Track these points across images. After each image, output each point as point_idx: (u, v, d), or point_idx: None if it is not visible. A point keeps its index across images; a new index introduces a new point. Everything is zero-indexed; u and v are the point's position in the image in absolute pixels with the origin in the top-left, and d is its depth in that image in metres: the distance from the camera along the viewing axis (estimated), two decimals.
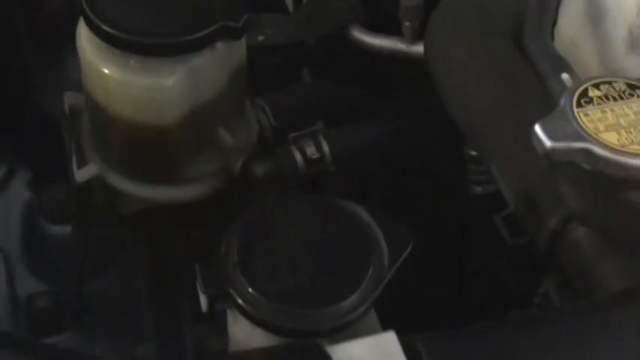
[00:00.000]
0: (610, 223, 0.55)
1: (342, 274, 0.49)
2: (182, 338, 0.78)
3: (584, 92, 0.53)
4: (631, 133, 0.51)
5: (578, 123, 0.51)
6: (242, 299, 0.47)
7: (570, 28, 0.67)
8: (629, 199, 0.52)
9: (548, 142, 0.50)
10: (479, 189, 0.83)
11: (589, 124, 0.51)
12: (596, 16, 0.65)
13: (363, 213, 0.51)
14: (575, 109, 0.52)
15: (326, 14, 0.96)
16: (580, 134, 0.51)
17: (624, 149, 0.50)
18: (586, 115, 0.52)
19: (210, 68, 0.66)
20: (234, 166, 0.71)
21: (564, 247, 0.59)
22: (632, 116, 0.52)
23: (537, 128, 0.51)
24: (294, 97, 0.83)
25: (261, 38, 0.93)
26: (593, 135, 0.51)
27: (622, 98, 0.53)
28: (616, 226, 0.54)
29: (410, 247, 0.50)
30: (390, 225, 0.50)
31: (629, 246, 0.55)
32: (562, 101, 0.53)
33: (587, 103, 0.52)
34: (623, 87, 0.54)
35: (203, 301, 0.49)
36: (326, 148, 0.73)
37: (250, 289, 0.48)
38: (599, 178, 0.52)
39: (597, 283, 0.56)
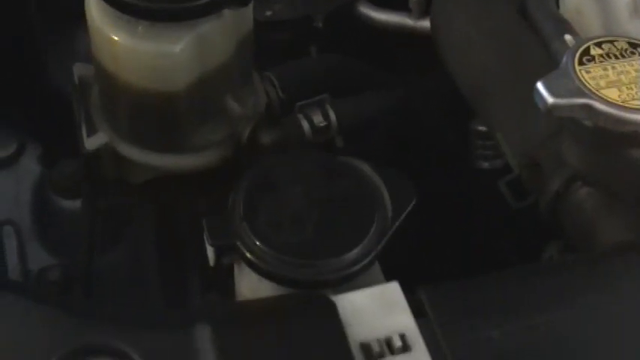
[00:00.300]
0: (612, 180, 0.55)
1: (346, 227, 0.50)
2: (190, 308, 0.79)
3: (586, 50, 0.54)
4: (632, 89, 0.52)
5: (579, 79, 0.52)
6: (249, 251, 0.48)
7: None
8: (631, 156, 0.53)
9: (550, 99, 0.51)
10: (486, 164, 0.84)
11: (590, 81, 0.52)
12: None
13: (367, 169, 0.52)
14: (577, 67, 0.53)
15: None
16: (581, 90, 0.51)
17: (625, 104, 0.51)
18: (587, 72, 0.52)
19: (218, 35, 0.67)
20: (241, 135, 0.72)
21: (567, 208, 0.60)
22: (633, 73, 0.53)
23: (539, 85, 0.52)
24: (301, 70, 0.84)
25: (269, 13, 0.93)
26: (594, 91, 0.51)
27: (623, 56, 0.54)
28: (618, 183, 0.55)
29: (414, 202, 0.51)
30: (393, 180, 0.51)
31: (631, 203, 0.55)
32: (564, 59, 0.53)
33: (589, 60, 0.53)
34: (625, 45, 0.54)
35: (210, 254, 0.50)
36: (333, 116, 0.74)
37: (257, 242, 0.49)
38: (600, 134, 0.52)
39: (599, 242, 0.57)
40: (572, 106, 0.51)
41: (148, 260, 0.85)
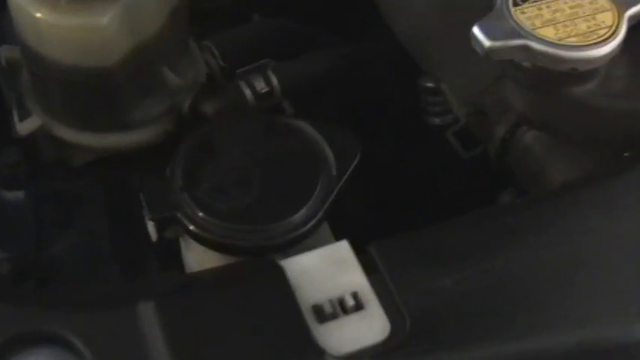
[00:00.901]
0: (556, 121, 0.55)
1: (291, 188, 0.48)
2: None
3: None
4: (567, 26, 0.51)
5: (514, 21, 0.51)
6: (190, 221, 0.47)
7: None
8: (572, 94, 0.52)
9: (486, 42, 0.50)
10: (437, 120, 0.83)
11: (526, 21, 0.51)
12: None
13: (308, 128, 0.50)
14: (512, 8, 0.52)
15: None
16: (517, 31, 0.50)
17: (561, 42, 0.50)
18: (523, 12, 0.51)
19: (147, 5, 0.65)
20: (182, 107, 0.70)
21: (515, 153, 0.59)
22: (568, 10, 0.52)
23: (476, 29, 0.51)
24: (241, 37, 0.82)
25: None
26: (530, 31, 0.50)
27: None
28: (561, 123, 0.54)
29: (358, 157, 0.50)
30: (337, 137, 0.50)
31: (577, 142, 0.55)
32: (499, 2, 0.52)
33: (524, 1, 0.52)
34: None
35: (151, 228, 0.48)
36: (275, 81, 0.73)
37: (198, 211, 0.47)
38: (540, 74, 0.52)
39: (549, 184, 0.56)
40: (509, 48, 0.50)
41: (102, 243, 0.83)
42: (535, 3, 0.52)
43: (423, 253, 0.46)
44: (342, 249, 0.45)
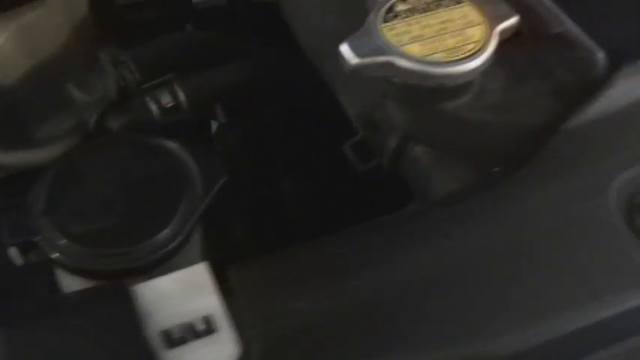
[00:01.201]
0: (433, 133, 0.55)
1: (154, 210, 0.49)
2: None
3: (391, 7, 0.53)
4: (435, 42, 0.51)
5: (382, 37, 0.51)
6: (50, 246, 0.47)
7: None
8: (444, 108, 0.52)
9: (353, 59, 0.50)
10: None
11: (393, 38, 0.51)
12: None
13: (176, 148, 0.50)
14: (381, 24, 0.52)
15: None
16: (383, 48, 0.50)
17: (426, 59, 0.50)
18: (391, 29, 0.51)
19: (46, 24, 0.65)
20: (88, 123, 0.70)
21: (406, 166, 0.59)
22: (438, 26, 0.52)
23: (343, 46, 0.51)
24: (158, 50, 0.82)
25: None
26: (396, 48, 0.50)
27: (428, 10, 0.53)
28: (438, 136, 0.54)
29: (224, 178, 0.50)
30: (203, 158, 0.50)
31: (454, 155, 0.55)
32: (369, 18, 0.52)
33: (394, 17, 0.52)
34: None
35: (14, 253, 0.49)
36: (182, 95, 0.73)
37: (58, 235, 0.47)
38: (411, 91, 0.51)
39: (433, 197, 0.56)
40: (375, 65, 0.50)
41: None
42: (405, 19, 0.52)
43: (281, 274, 0.46)
44: (200, 272, 0.45)
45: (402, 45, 0.51)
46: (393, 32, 0.51)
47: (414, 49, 0.50)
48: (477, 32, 0.51)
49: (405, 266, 0.46)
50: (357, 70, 0.50)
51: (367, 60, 0.50)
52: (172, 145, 0.51)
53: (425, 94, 0.51)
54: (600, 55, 0.52)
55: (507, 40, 0.54)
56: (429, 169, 0.57)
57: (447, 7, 0.53)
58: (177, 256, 0.48)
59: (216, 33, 0.88)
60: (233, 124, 0.87)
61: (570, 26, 0.53)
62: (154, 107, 0.72)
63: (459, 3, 0.53)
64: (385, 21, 0.52)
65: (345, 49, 0.50)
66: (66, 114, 0.70)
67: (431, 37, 0.51)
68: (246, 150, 0.84)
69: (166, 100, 0.72)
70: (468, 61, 0.50)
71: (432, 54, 0.50)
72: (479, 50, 0.51)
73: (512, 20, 0.52)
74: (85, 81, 0.71)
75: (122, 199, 0.49)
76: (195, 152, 0.50)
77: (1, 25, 0.63)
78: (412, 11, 0.52)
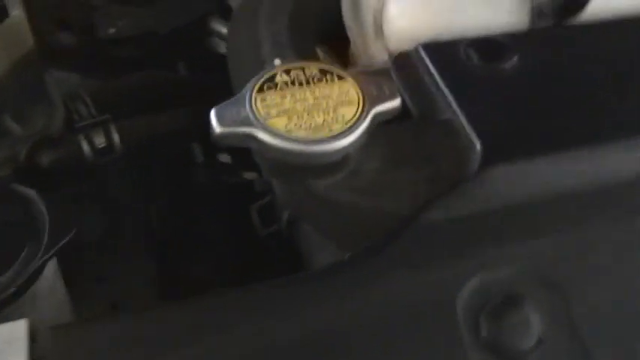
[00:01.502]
0: (302, 210, 0.53)
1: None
2: None
3: (272, 77, 0.52)
4: (303, 118, 0.49)
5: (251, 108, 0.50)
6: None
7: (345, 15, 0.66)
8: (311, 186, 0.50)
9: (217, 128, 0.49)
10: None
11: (262, 110, 0.50)
12: (355, 3, 0.63)
13: (34, 198, 0.50)
14: (254, 95, 0.50)
15: (183, 6, 0.96)
16: (248, 119, 0.49)
17: (288, 135, 0.49)
18: (263, 99, 0.50)
19: None
20: (18, 156, 0.71)
21: (299, 235, 0.58)
22: (312, 101, 0.50)
23: (212, 113, 0.50)
24: (120, 88, 0.83)
25: (112, 30, 0.93)
26: (261, 120, 0.49)
27: (309, 83, 0.51)
28: (306, 213, 0.53)
29: (71, 235, 0.49)
30: (56, 210, 0.50)
31: (323, 233, 0.53)
32: (247, 86, 0.51)
33: (270, 88, 0.51)
34: (315, 72, 0.52)
35: None
36: (116, 137, 0.73)
37: None
38: (275, 165, 0.50)
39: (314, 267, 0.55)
40: (237, 136, 0.49)
41: None
42: (281, 91, 0.51)
43: (101, 340, 0.45)
44: (18, 329, 0.45)
45: (269, 118, 0.49)
46: (264, 103, 0.50)
47: (280, 123, 0.49)
48: (348, 112, 0.50)
49: (242, 337, 0.45)
50: (222, 138, 0.49)
51: (229, 130, 0.49)
52: (30, 192, 0.51)
53: (296, 170, 0.50)
54: (478, 148, 0.49)
55: (394, 121, 0.52)
56: (312, 242, 0.56)
57: (329, 81, 0.51)
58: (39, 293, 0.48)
59: (187, 75, 0.89)
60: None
61: (459, 114, 0.51)
62: (85, 147, 0.72)
63: (341, 79, 0.52)
64: (260, 91, 0.51)
65: (212, 116, 0.49)
66: None
67: (300, 112, 0.50)
68: None
69: (100, 140, 0.72)
70: (329, 142, 0.48)
71: (297, 130, 0.49)
72: (345, 131, 0.49)
73: (393, 103, 0.51)
74: (22, 113, 0.72)
75: None
76: (50, 203, 0.50)
77: None
78: (292, 83, 0.51)
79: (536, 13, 0.58)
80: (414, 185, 0.50)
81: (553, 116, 0.51)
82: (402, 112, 0.54)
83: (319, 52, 0.62)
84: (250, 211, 0.65)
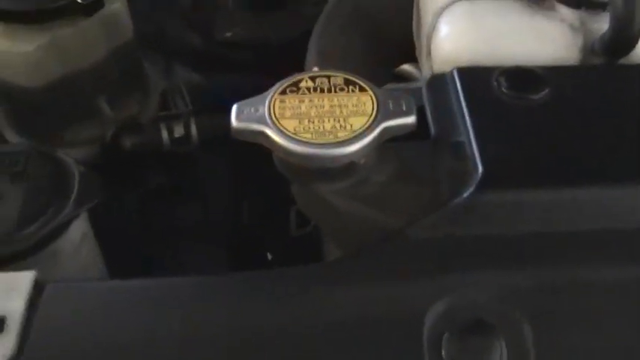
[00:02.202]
0: (310, 213, 0.55)
1: (30, 206, 0.54)
2: None
3: (297, 82, 0.54)
4: (313, 122, 0.51)
5: (268, 107, 0.52)
6: None
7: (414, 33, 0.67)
8: (318, 189, 0.52)
9: (234, 122, 0.52)
10: None
11: (278, 110, 0.52)
12: (417, 22, 0.65)
13: (70, 161, 0.56)
14: (276, 96, 0.53)
15: (299, 19, 1.00)
16: (263, 118, 0.52)
17: (295, 136, 0.51)
18: (282, 101, 0.53)
19: (77, 40, 0.73)
20: (105, 137, 0.77)
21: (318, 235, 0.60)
22: (327, 107, 0.52)
23: (234, 108, 0.53)
24: (220, 88, 0.88)
25: (228, 34, 0.99)
26: (273, 119, 0.52)
27: (330, 91, 0.53)
28: (314, 215, 0.55)
29: (95, 202, 0.54)
30: (88, 178, 0.55)
31: (327, 233, 0.55)
32: (272, 88, 0.54)
33: (292, 91, 0.53)
34: (339, 81, 0.54)
35: None
36: (194, 130, 0.78)
37: None
38: (284, 165, 0.52)
39: None
40: (251, 132, 0.52)
41: None
42: (302, 95, 0.53)
43: (89, 299, 0.49)
44: (22, 278, 0.50)
45: (281, 118, 0.52)
46: (282, 105, 0.52)
47: (290, 124, 0.51)
48: (358, 122, 0.51)
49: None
50: (237, 133, 0.52)
51: (244, 125, 0.52)
52: (68, 160, 0.56)
53: (303, 172, 0.52)
54: (479, 174, 0.49)
55: (412, 138, 0.53)
56: (324, 246, 0.58)
57: (349, 92, 0.53)
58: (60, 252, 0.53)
59: None
60: None
61: (471, 138, 0.51)
62: (165, 135, 0.77)
63: (362, 90, 0.53)
64: (283, 93, 0.53)
65: (233, 110, 0.52)
66: (91, 124, 0.77)
67: (313, 117, 0.52)
68: None
69: (179, 131, 0.77)
70: (331, 147, 0.50)
71: (304, 133, 0.51)
72: (349, 139, 0.50)
73: (407, 120, 0.52)
74: (116, 99, 0.78)
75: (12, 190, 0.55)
76: (82, 170, 0.55)
77: (35, 35, 0.72)
78: (314, 90, 0.53)
79: (589, 50, 0.57)
80: (414, 202, 0.51)
81: (565, 153, 0.50)
82: (424, 130, 0.55)
83: None
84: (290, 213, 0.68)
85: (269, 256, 0.84)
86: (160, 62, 0.94)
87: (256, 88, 0.91)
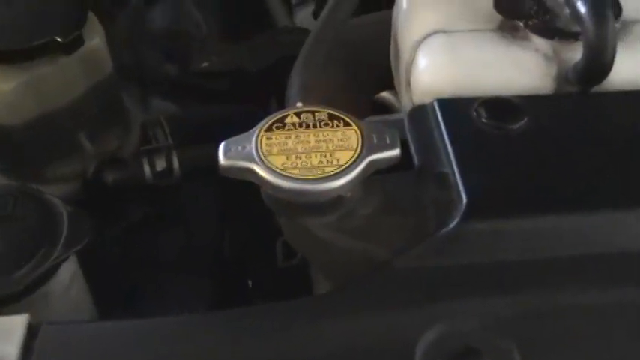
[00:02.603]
0: (297, 245, 0.56)
1: (20, 249, 0.54)
2: None
3: (283, 118, 0.55)
4: (300, 158, 0.52)
5: (255, 144, 0.53)
6: None
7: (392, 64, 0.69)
8: (306, 223, 0.53)
9: (221, 160, 0.53)
10: None
11: (266, 147, 0.53)
12: (396, 55, 0.66)
13: (57, 202, 0.56)
14: (262, 132, 0.54)
15: (274, 46, 1.01)
16: (250, 155, 0.53)
17: (283, 172, 0.52)
18: (269, 138, 0.54)
19: (56, 78, 0.73)
20: (87, 172, 0.78)
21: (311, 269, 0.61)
22: (312, 144, 0.53)
23: (221, 146, 0.54)
24: (198, 118, 0.89)
25: (205, 64, 1.00)
26: (261, 156, 0.52)
27: (315, 127, 0.54)
28: (302, 248, 0.55)
29: (85, 242, 0.54)
30: (76, 218, 0.55)
31: (316, 265, 0.56)
32: (258, 124, 0.55)
33: (278, 128, 0.54)
34: (324, 117, 0.55)
35: None
36: (176, 163, 0.78)
37: None
38: (272, 200, 0.53)
39: None
40: (239, 170, 0.53)
41: None
42: (288, 131, 0.54)
43: (85, 340, 0.50)
44: (17, 322, 0.50)
45: (268, 155, 0.53)
46: (269, 142, 0.53)
47: (278, 160, 0.52)
48: (344, 157, 0.52)
49: None
50: (225, 171, 0.53)
51: (231, 163, 0.53)
52: (56, 201, 0.57)
53: (291, 206, 0.53)
54: (464, 203, 0.51)
55: (397, 170, 0.54)
56: (313, 273, 0.59)
57: (334, 127, 0.54)
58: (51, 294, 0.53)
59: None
60: None
61: (455, 169, 0.53)
62: (147, 170, 0.78)
63: (347, 125, 0.54)
64: (269, 130, 0.54)
65: (220, 149, 0.53)
66: (72, 160, 0.78)
67: (300, 153, 0.53)
68: None
69: (161, 165, 0.78)
70: (318, 183, 0.51)
71: (292, 169, 0.52)
72: (336, 174, 0.51)
73: (391, 153, 0.53)
74: (99, 134, 0.78)
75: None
76: (72, 212, 0.56)
77: (14, 74, 0.72)
78: (299, 125, 0.54)
79: (563, 79, 0.58)
80: (400, 233, 0.52)
81: (544, 181, 0.52)
82: (408, 162, 0.56)
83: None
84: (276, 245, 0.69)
85: (249, 284, 0.84)
86: (138, 94, 0.95)
87: (234, 116, 0.93)
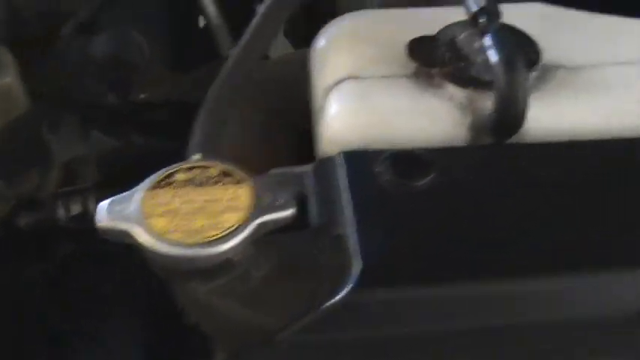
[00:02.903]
0: (188, 311, 0.52)
1: None
2: None
3: (172, 174, 0.51)
4: (184, 220, 0.49)
5: (137, 205, 0.49)
6: None
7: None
8: (189, 288, 0.49)
9: (98, 221, 0.49)
10: None
11: (147, 208, 0.49)
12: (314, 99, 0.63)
13: None
14: (146, 191, 0.50)
15: (214, 77, 0.97)
16: (130, 216, 0.49)
17: (163, 236, 0.48)
18: (153, 197, 0.50)
19: None
20: (3, 212, 0.74)
21: None
22: (198, 204, 0.49)
23: (100, 206, 0.50)
24: (126, 154, 0.85)
25: (144, 95, 0.96)
26: (141, 218, 0.49)
27: (205, 184, 0.50)
28: (193, 314, 0.52)
29: None
30: None
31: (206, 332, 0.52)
32: (145, 181, 0.51)
33: (167, 185, 0.51)
34: (216, 172, 0.51)
35: None
36: (92, 206, 0.75)
37: None
38: (155, 265, 0.49)
39: None
40: (118, 232, 0.49)
41: None
42: (175, 189, 0.50)
43: None
44: None
45: (150, 217, 0.49)
46: (153, 201, 0.50)
47: (159, 223, 0.48)
48: (232, 219, 0.48)
49: None
50: (103, 232, 0.49)
51: (110, 224, 0.49)
52: None
53: (181, 272, 0.49)
54: (359, 270, 0.47)
55: (293, 229, 0.50)
56: None
57: (225, 184, 0.50)
58: None
59: None
60: None
61: (353, 231, 0.49)
62: (61, 213, 0.74)
63: (238, 183, 0.50)
64: (156, 187, 0.50)
65: (99, 209, 0.49)
66: None
67: (184, 214, 0.49)
68: None
69: (76, 208, 0.74)
70: (198, 248, 0.47)
71: (173, 232, 0.48)
72: (218, 239, 0.48)
73: (284, 214, 0.49)
74: (14, 172, 0.75)
75: None
76: None
77: None
78: (188, 183, 0.51)
79: (477, 128, 0.55)
80: (293, 299, 0.48)
81: (449, 244, 0.48)
82: (309, 218, 0.52)
83: None
84: None
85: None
86: (76, 126, 0.91)
87: (173, 149, 0.89)
